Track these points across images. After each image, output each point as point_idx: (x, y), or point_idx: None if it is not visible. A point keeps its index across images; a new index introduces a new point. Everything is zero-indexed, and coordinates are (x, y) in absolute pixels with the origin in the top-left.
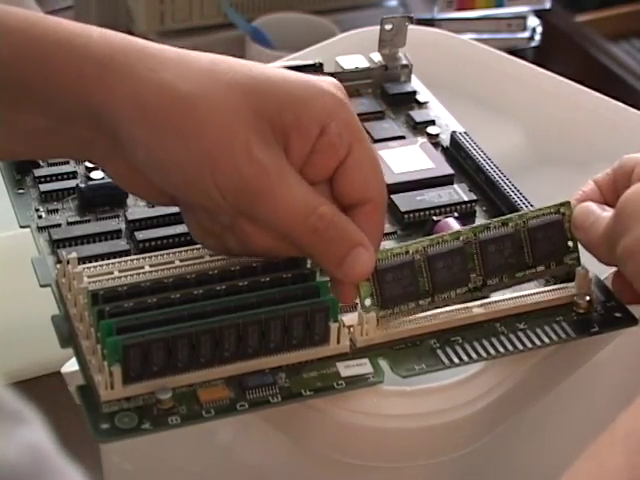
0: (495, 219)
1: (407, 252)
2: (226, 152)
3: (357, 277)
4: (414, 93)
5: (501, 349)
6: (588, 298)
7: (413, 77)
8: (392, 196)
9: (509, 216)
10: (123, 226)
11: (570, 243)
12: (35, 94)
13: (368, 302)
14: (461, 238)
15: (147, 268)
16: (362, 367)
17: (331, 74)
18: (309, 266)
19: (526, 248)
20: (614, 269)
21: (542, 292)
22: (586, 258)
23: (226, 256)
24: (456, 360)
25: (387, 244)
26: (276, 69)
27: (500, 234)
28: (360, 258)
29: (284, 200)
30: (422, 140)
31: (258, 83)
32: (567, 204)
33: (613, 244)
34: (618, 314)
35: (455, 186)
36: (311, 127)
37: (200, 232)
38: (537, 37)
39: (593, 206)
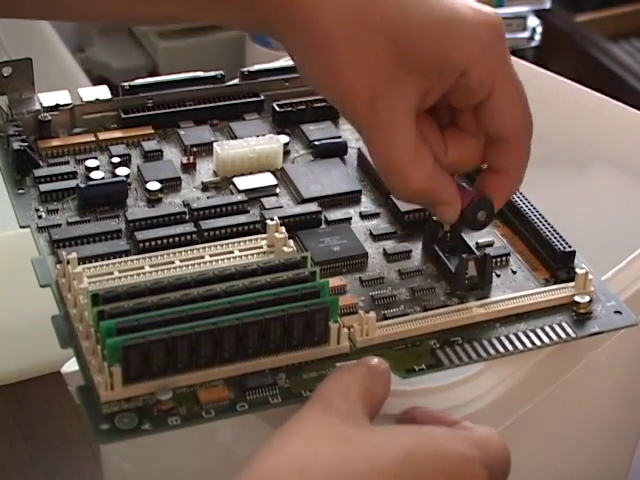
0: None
1: None
2: (351, 96)
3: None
4: None
5: (501, 349)
6: (588, 298)
7: None
8: (392, 196)
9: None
10: (123, 226)
11: None
12: None
13: None
14: None
15: (147, 268)
16: None
17: None
18: (309, 267)
19: None
20: (614, 269)
21: (542, 292)
22: (586, 258)
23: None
24: (456, 360)
25: (387, 244)
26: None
27: None
28: (444, 211)
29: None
30: None
31: (403, 30)
32: None
33: None
34: (618, 314)
35: None
36: (451, 74)
37: None
38: (537, 37)
39: None
